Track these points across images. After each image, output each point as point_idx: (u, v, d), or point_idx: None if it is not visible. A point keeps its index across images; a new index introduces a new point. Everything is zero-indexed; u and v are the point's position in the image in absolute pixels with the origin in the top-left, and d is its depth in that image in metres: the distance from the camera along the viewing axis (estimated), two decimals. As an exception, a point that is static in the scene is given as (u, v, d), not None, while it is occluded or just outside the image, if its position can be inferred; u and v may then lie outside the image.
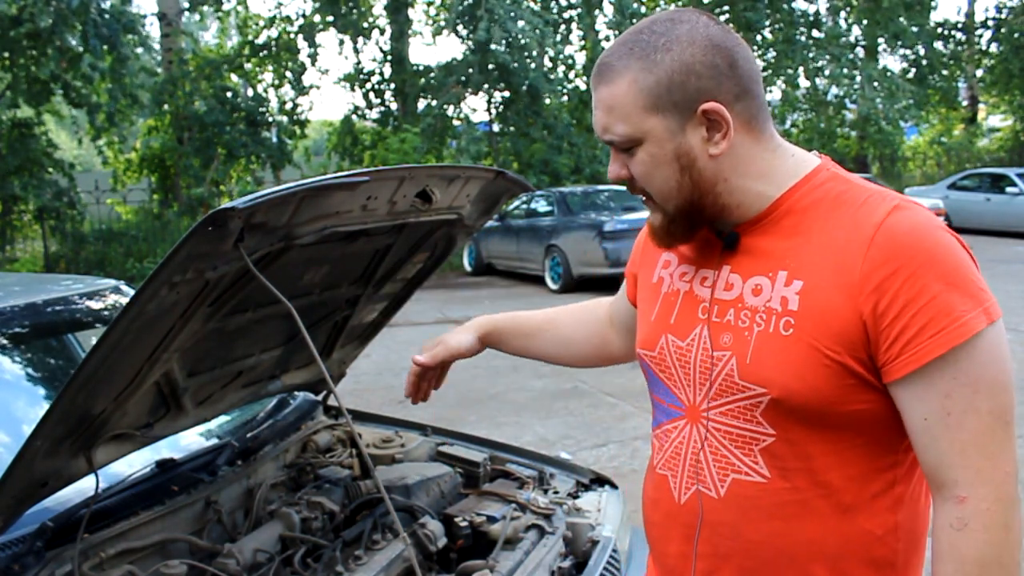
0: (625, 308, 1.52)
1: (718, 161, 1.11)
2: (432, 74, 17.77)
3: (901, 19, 19.43)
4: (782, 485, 1.12)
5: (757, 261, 1.14)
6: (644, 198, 1.19)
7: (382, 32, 18.72)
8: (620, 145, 1.13)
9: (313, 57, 17.86)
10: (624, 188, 1.18)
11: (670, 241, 1.21)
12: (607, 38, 17.94)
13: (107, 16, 13.10)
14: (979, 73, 23.44)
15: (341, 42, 18.26)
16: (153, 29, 17.40)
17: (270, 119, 17.20)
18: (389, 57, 18.55)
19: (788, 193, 1.14)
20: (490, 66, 15.95)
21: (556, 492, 2.15)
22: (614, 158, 1.16)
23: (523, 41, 15.14)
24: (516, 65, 15.86)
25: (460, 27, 16.09)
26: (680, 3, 20.88)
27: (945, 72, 21.74)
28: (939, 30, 21.74)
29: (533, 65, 16.65)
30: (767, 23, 19.36)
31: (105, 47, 13.17)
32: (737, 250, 1.17)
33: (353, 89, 18.73)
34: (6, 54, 12.95)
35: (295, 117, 17.68)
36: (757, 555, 1.15)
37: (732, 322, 1.14)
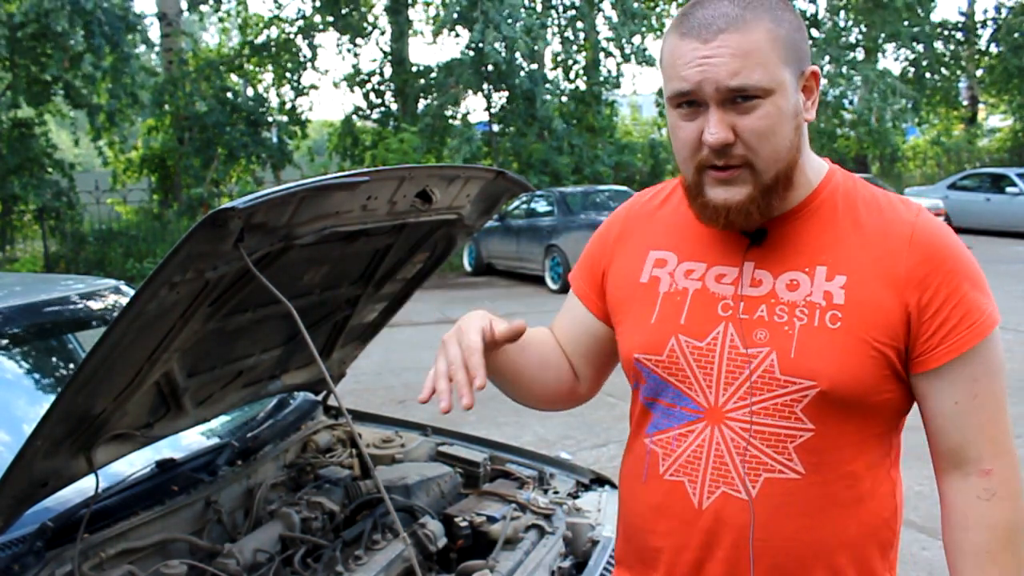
0: (584, 331, 1.35)
1: (803, 130, 1.14)
2: (432, 74, 17.78)
3: (903, 20, 19.42)
4: (814, 479, 1.12)
5: (789, 256, 1.15)
6: (729, 171, 1.09)
7: (382, 32, 18.74)
8: (751, 92, 1.05)
9: (313, 58, 17.87)
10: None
11: (759, 216, 1.12)
12: (608, 39, 17.93)
13: (108, 14, 13.10)
14: (979, 73, 23.42)
15: (339, 44, 18.25)
16: (153, 29, 17.40)
17: (270, 119, 17.21)
18: (389, 57, 18.56)
19: (820, 187, 1.17)
20: (489, 67, 15.95)
21: (556, 492, 2.15)
22: (720, 118, 1.06)
23: (518, 42, 15.11)
24: (514, 65, 15.84)
25: (458, 27, 16.08)
26: (678, 3, 20.89)
27: (945, 72, 21.73)
28: (939, 30, 21.74)
29: (535, 66, 16.65)
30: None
31: (107, 47, 13.17)
32: (763, 246, 1.16)
33: (352, 90, 18.75)
34: (7, 54, 12.95)
35: (295, 117, 17.69)
36: (787, 552, 1.14)
37: (766, 318, 1.13)
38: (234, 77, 18.04)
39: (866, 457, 1.14)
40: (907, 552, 3.61)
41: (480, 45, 15.27)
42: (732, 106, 1.06)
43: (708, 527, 1.16)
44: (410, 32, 18.96)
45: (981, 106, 25.52)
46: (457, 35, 16.47)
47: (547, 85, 16.77)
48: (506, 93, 17.00)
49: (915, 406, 1.17)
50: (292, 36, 17.83)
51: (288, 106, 17.75)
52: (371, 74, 18.60)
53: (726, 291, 1.17)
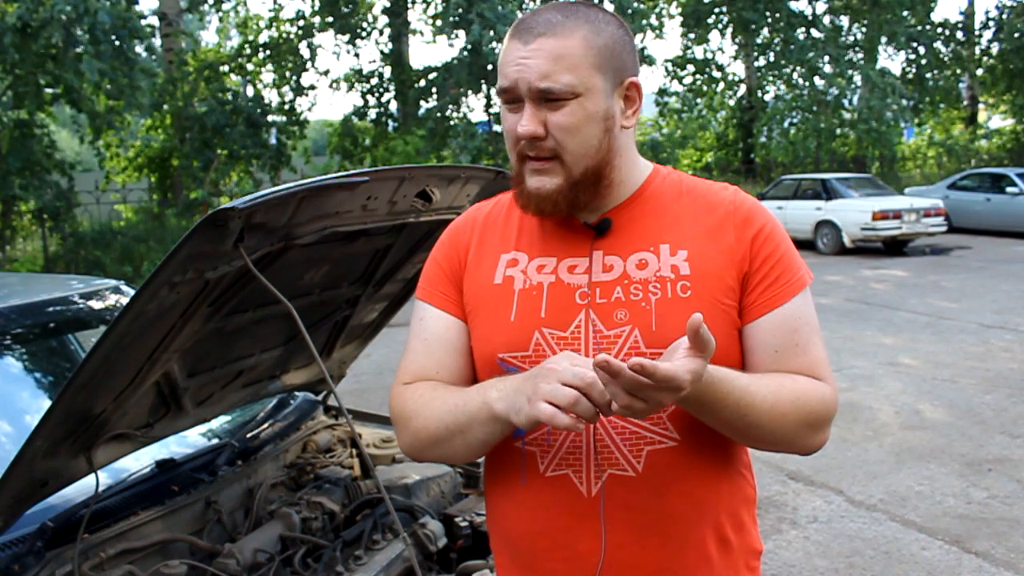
0: (463, 346, 1.30)
1: (623, 135, 1.23)
2: (431, 75, 17.78)
3: (902, 18, 19.41)
4: (689, 444, 1.19)
5: (634, 240, 1.24)
6: (542, 162, 1.18)
7: (381, 33, 18.72)
8: (558, 94, 1.14)
9: (312, 58, 17.87)
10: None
11: (566, 207, 1.20)
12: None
13: (109, 25, 13.08)
14: (979, 73, 23.41)
15: (338, 49, 18.25)
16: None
17: (270, 119, 17.19)
18: (389, 58, 18.55)
19: (648, 181, 1.28)
20: (488, 67, 15.94)
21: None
22: (532, 113, 1.16)
23: None
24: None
25: (457, 30, 16.06)
26: (678, 2, 20.89)
27: (946, 72, 21.72)
28: (939, 30, 21.72)
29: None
30: (767, 22, 19.35)
31: (111, 54, 13.16)
32: (607, 235, 1.24)
33: (350, 90, 18.75)
34: (7, 56, 12.93)
35: (293, 118, 17.68)
36: (677, 520, 1.19)
37: (623, 298, 1.20)
38: (234, 77, 18.02)
39: None
40: (907, 552, 3.62)
41: (474, 46, 15.25)
42: (544, 103, 1.16)
43: (599, 512, 1.19)
44: (408, 32, 18.94)
45: (981, 106, 25.50)
46: (456, 36, 16.45)
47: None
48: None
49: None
50: (292, 37, 17.81)
51: (287, 106, 17.74)
52: (370, 75, 18.60)
53: (580, 280, 1.22)
